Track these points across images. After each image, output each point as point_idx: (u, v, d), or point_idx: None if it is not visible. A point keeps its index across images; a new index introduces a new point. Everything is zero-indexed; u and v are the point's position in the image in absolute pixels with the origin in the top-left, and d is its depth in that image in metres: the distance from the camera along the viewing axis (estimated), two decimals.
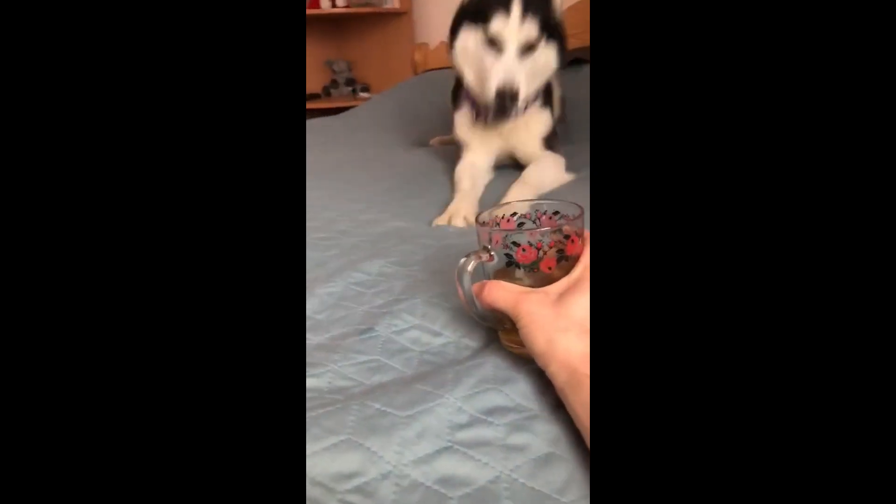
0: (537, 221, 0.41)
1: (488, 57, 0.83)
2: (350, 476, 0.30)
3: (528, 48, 0.83)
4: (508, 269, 0.38)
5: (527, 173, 0.88)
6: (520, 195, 0.79)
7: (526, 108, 0.87)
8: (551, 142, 0.98)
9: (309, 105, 2.30)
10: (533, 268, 0.37)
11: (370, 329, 0.44)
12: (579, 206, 0.39)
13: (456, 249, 0.61)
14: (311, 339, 0.45)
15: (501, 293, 0.36)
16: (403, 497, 0.29)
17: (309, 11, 2.24)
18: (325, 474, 0.30)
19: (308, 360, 0.40)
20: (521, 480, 0.30)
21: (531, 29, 0.82)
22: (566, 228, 0.37)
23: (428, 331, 0.44)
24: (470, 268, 0.37)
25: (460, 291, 0.37)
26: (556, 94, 1.07)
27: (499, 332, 0.40)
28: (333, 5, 2.27)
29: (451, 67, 1.01)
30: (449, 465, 0.30)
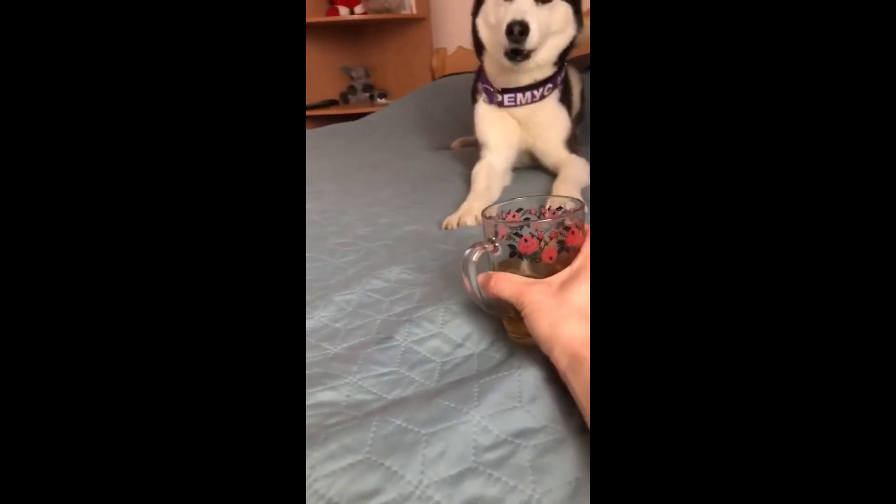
0: (541, 216, 0.43)
1: (502, 8, 0.86)
2: (369, 496, 0.28)
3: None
4: (512, 260, 0.39)
5: (565, 173, 0.89)
6: (565, 191, 0.81)
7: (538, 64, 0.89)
8: (573, 145, 0.96)
9: (326, 111, 2.31)
10: (535, 258, 0.38)
11: (389, 338, 0.42)
12: (580, 201, 0.40)
13: None
14: (329, 348, 0.43)
15: (506, 284, 0.37)
16: None
17: (327, 19, 2.26)
18: (343, 494, 0.28)
19: (326, 371, 0.39)
20: None
21: None
22: (566, 221, 0.38)
23: (448, 341, 0.42)
24: (475, 258, 0.38)
25: (466, 282, 0.39)
26: (576, 90, 1.06)
27: (504, 322, 0.42)
28: (351, 12, 2.29)
29: (469, 72, 1.00)
30: (475, 487, 0.28)
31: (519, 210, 0.43)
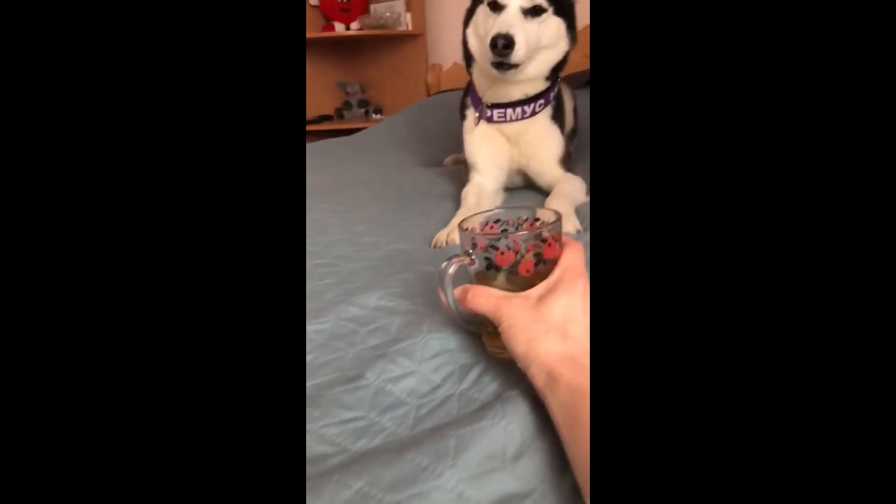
0: (519, 228, 0.42)
1: (490, 20, 0.83)
2: None
3: (532, 12, 0.82)
4: (489, 273, 0.38)
5: (559, 189, 0.86)
6: (558, 206, 0.77)
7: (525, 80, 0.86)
8: (567, 163, 0.93)
9: (321, 126, 2.28)
10: (512, 271, 0.37)
11: (359, 376, 0.38)
12: (557, 213, 0.39)
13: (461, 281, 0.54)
14: None
15: (483, 298, 0.37)
16: None
17: (323, 34, 2.24)
18: None
19: None
20: None
21: None
22: (544, 233, 0.37)
23: (426, 380, 0.38)
24: (451, 271, 0.37)
25: (442, 296, 0.38)
26: (568, 106, 1.03)
27: (482, 338, 0.41)
28: (347, 28, 2.27)
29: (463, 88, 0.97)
30: None
31: (497, 221, 0.43)
